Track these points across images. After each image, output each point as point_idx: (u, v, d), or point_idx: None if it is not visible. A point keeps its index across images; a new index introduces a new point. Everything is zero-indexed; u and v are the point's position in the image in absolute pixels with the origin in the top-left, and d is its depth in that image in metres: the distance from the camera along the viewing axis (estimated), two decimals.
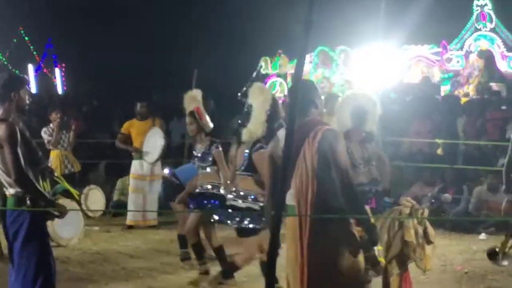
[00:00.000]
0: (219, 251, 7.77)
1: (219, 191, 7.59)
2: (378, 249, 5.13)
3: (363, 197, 7.04)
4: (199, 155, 7.78)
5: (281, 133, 4.87)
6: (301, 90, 4.62)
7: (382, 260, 5.26)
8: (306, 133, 4.64)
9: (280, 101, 10.12)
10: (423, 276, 6.21)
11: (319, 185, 4.55)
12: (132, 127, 11.28)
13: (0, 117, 5.21)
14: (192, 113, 7.90)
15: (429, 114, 12.84)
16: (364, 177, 7.06)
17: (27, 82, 5.54)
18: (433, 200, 10.00)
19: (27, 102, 5.45)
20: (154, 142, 10.87)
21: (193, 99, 8.06)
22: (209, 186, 7.67)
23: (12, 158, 5.07)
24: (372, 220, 5.00)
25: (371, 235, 4.70)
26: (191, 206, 7.89)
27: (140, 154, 10.96)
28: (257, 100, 6.59)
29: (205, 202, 7.62)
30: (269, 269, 3.54)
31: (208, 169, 7.73)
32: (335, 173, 4.57)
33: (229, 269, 7.00)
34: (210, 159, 7.68)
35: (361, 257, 4.70)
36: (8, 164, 5.11)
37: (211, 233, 7.90)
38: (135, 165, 11.10)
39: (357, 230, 4.68)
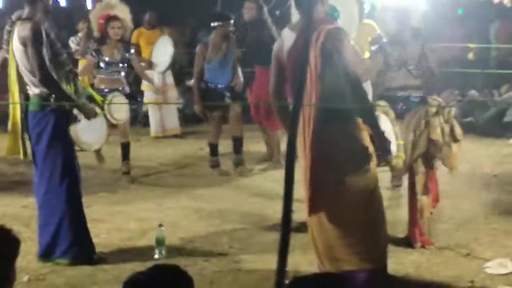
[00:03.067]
0: None
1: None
2: (398, 143, 5.06)
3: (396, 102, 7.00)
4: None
5: (285, 33, 4.75)
6: None
7: (402, 155, 5.21)
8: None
9: None
10: (449, 175, 6.18)
11: (323, 89, 4.43)
12: (141, 36, 11.18)
13: (26, 16, 5.19)
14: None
15: (462, 20, 12.60)
16: (401, 81, 7.00)
17: None
18: (459, 97, 9.89)
19: (51, 1, 5.41)
20: (164, 51, 10.66)
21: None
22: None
23: (37, 58, 5.05)
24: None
25: (381, 142, 4.60)
26: None
27: (149, 65, 10.71)
28: None
29: None
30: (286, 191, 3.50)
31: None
32: (341, 75, 4.45)
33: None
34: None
35: (372, 164, 4.63)
36: (32, 64, 5.10)
37: None
38: None
39: (366, 129, 4.59)
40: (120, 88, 8.21)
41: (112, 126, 7.75)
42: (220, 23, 8.29)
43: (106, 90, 8.10)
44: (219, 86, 8.36)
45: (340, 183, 4.55)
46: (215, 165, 8.63)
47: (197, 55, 8.46)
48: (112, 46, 8.25)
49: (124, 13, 8.39)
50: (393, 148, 4.94)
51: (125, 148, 8.49)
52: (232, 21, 8.40)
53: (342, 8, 6.23)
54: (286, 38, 4.71)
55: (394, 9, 7.07)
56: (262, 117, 8.94)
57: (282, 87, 4.81)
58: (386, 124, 5.13)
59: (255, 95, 8.97)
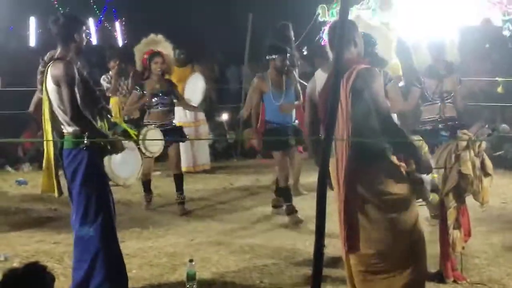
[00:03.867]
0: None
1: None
2: (433, 177, 5.06)
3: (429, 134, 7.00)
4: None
5: (318, 73, 4.81)
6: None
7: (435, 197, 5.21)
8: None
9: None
10: (481, 209, 6.16)
11: (354, 128, 4.47)
12: (172, 74, 11.32)
13: (58, 56, 5.29)
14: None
15: (489, 54, 12.60)
16: (435, 113, 7.04)
17: (85, 23, 5.58)
18: (490, 131, 9.84)
19: (84, 42, 5.51)
20: (195, 87, 10.77)
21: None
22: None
23: (69, 96, 5.12)
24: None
25: (422, 164, 4.61)
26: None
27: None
28: None
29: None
30: (318, 208, 3.52)
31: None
32: (373, 114, 4.48)
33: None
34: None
35: (410, 199, 4.63)
36: (65, 103, 5.19)
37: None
38: (178, 112, 11.05)
39: (401, 167, 4.60)
40: (169, 123, 8.46)
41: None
42: (274, 56, 7.99)
43: (157, 124, 8.27)
44: (283, 125, 8.01)
45: (377, 221, 4.56)
46: (290, 212, 7.93)
47: (253, 88, 8.16)
48: (154, 81, 8.46)
49: (167, 49, 8.62)
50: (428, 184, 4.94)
51: (178, 179, 8.61)
52: (288, 54, 8.09)
53: (378, 36, 6.29)
54: (319, 78, 4.79)
55: (428, 43, 7.14)
56: None
57: (317, 127, 4.85)
58: None
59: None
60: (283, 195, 8.04)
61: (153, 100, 8.40)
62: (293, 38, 9.19)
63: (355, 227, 4.56)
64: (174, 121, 8.65)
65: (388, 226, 4.56)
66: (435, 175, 5.01)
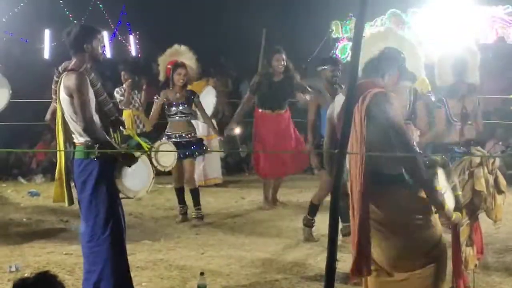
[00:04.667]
0: None
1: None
2: (457, 194, 4.98)
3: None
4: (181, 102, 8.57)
5: (338, 97, 4.81)
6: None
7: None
8: (356, 97, 4.34)
9: None
10: (494, 227, 6.12)
11: (369, 151, 4.40)
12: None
13: (72, 67, 5.30)
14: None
15: (502, 72, 12.59)
16: (457, 136, 6.99)
17: (99, 32, 5.57)
18: (504, 148, 9.79)
19: (101, 52, 5.51)
20: (207, 101, 10.82)
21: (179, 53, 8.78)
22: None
23: (81, 107, 5.13)
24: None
25: (432, 197, 4.57)
26: (181, 156, 8.37)
27: (195, 115, 10.83)
28: None
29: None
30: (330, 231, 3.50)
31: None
32: (392, 138, 4.46)
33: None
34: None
35: (429, 218, 4.60)
36: (77, 113, 5.20)
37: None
38: None
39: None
40: (191, 135, 8.58)
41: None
42: (325, 67, 7.77)
43: (177, 135, 8.43)
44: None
45: (394, 242, 4.54)
46: (309, 224, 7.81)
47: (310, 103, 7.95)
48: (176, 91, 8.52)
49: (190, 61, 8.72)
50: (451, 203, 4.89)
51: (193, 194, 8.69)
52: (339, 65, 7.86)
53: (407, 52, 6.25)
54: (338, 102, 4.77)
55: (452, 63, 7.04)
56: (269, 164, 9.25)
57: (335, 148, 4.84)
58: (441, 176, 5.08)
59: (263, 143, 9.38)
60: (311, 209, 7.80)
61: (173, 110, 8.49)
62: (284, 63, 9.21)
63: (366, 253, 4.51)
64: (194, 132, 8.73)
65: (407, 245, 4.53)
66: (459, 192, 4.90)
